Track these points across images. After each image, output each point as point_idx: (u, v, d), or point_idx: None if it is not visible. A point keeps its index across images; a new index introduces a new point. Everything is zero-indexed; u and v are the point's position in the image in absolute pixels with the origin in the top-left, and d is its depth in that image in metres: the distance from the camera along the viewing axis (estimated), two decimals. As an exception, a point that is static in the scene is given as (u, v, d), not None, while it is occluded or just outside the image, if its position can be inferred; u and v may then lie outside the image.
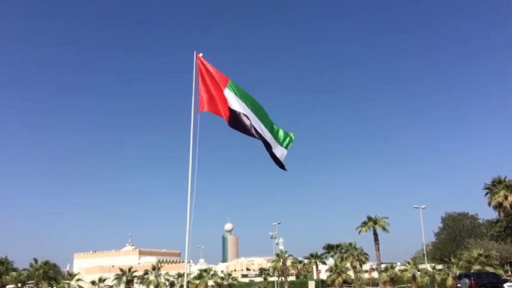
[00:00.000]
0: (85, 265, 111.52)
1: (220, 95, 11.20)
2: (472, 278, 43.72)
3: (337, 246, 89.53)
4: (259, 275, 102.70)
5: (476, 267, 50.49)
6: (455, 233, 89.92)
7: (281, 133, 11.25)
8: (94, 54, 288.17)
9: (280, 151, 11.08)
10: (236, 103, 11.00)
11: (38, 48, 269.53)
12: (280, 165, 11.10)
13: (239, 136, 10.92)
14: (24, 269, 65.99)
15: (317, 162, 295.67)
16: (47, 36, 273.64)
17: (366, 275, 79.01)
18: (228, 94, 11.12)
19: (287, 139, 11.25)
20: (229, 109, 10.95)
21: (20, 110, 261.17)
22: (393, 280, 58.14)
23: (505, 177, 59.98)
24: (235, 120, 10.90)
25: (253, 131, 10.78)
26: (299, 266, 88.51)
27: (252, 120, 10.86)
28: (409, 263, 57.80)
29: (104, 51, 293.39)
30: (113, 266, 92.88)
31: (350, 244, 78.99)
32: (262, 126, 10.96)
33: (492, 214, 69.14)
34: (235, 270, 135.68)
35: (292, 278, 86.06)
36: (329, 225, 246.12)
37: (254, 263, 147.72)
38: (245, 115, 10.87)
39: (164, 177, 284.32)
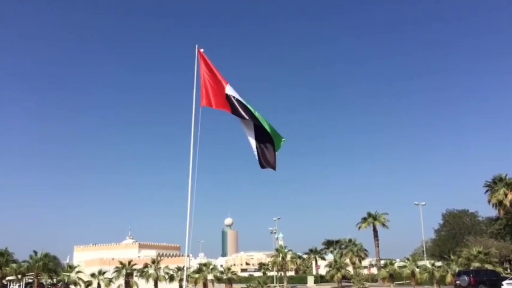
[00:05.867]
0: (85, 258, 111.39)
1: (221, 90, 11.15)
2: (471, 275, 43.77)
3: (337, 242, 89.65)
4: (259, 270, 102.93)
5: (476, 264, 50.51)
6: (455, 230, 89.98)
7: (276, 135, 10.62)
8: (95, 48, 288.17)
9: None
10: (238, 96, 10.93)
11: (39, 42, 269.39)
12: (263, 162, 10.49)
13: (240, 131, 10.87)
14: (24, 261, 66.07)
15: (317, 158, 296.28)
16: (48, 30, 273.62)
17: (365, 271, 79.13)
18: (230, 89, 11.07)
19: (281, 143, 10.63)
20: (227, 95, 10.89)
21: (20, 104, 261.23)
22: (392, 276, 58.21)
23: (506, 175, 59.81)
24: (234, 107, 10.77)
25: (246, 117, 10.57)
26: (299, 261, 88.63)
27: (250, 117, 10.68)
28: (408, 259, 57.84)
29: (105, 45, 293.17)
30: (113, 259, 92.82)
31: (349, 240, 79.14)
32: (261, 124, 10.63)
33: (492, 212, 69.14)
34: (234, 265, 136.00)
35: (291, 273, 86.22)
36: (328, 221, 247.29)
37: (253, 257, 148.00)
38: (242, 104, 10.72)
39: (165, 170, 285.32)
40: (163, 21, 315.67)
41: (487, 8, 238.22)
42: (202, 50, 11.58)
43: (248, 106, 10.72)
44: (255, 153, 10.61)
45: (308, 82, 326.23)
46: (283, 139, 10.67)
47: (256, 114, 10.63)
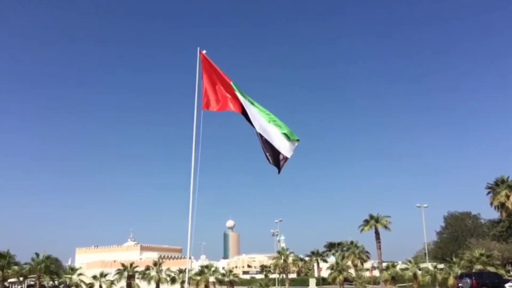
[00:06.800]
0: (86, 260, 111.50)
1: (227, 89, 11.14)
2: (473, 278, 43.60)
3: (339, 244, 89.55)
4: (260, 272, 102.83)
5: (478, 267, 50.39)
6: (457, 233, 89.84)
7: (287, 129, 10.60)
8: (99, 50, 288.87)
9: (286, 146, 10.40)
10: (243, 101, 10.93)
11: (39, 42, 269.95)
12: (276, 160, 10.47)
13: (242, 133, 10.89)
14: (26, 263, 66.08)
15: (319, 160, 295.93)
16: (48, 30, 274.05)
17: (367, 274, 79.06)
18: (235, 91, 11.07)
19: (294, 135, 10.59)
20: (239, 101, 10.92)
21: (20, 104, 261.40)
22: (394, 278, 58.11)
23: (508, 177, 59.65)
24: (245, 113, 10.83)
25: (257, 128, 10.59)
26: (300, 263, 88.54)
27: (256, 119, 10.71)
28: (410, 262, 57.74)
29: (108, 46, 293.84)
30: (114, 261, 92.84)
31: (351, 242, 78.88)
32: (264, 123, 10.68)
33: (494, 214, 69.05)
34: (236, 267, 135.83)
35: (293, 276, 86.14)
36: (330, 223, 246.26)
37: (255, 260, 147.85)
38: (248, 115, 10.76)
39: (167, 173, 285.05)
40: (163, 21, 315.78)
41: (487, 8, 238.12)
42: (204, 52, 11.53)
43: (261, 114, 10.75)
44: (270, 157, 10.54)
45: (308, 82, 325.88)
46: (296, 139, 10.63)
47: (271, 120, 10.66)
